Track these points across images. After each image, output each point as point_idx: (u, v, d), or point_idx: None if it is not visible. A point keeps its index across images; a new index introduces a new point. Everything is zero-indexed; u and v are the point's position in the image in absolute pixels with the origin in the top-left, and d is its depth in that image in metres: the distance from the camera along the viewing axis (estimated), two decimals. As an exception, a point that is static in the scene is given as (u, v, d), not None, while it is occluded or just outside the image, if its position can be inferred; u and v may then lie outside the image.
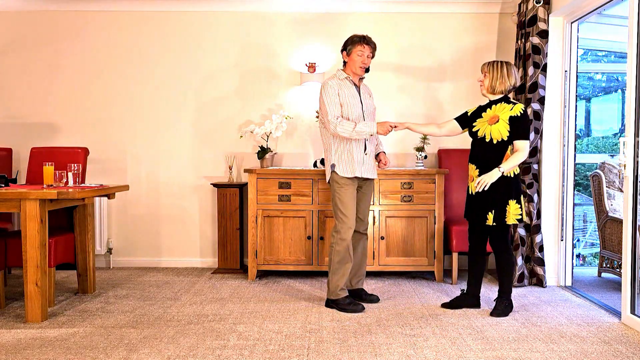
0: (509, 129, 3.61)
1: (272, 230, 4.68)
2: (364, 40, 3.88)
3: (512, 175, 3.65)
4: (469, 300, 3.89)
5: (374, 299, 4.04)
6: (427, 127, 3.99)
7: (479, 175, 3.67)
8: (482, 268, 3.88)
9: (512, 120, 3.61)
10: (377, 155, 4.08)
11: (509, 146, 3.63)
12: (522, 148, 3.61)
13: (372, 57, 3.95)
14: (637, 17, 3.44)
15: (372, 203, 4.58)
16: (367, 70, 3.93)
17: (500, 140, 3.62)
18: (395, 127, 3.84)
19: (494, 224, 3.64)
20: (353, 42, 3.89)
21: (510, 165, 3.59)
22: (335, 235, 3.86)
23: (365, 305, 3.91)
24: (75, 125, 5.25)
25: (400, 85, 5.19)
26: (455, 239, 4.56)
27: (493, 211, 3.63)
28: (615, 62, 6.27)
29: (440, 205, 4.63)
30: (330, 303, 3.89)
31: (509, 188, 3.63)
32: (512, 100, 3.73)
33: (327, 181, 3.96)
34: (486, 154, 3.66)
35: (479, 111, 3.79)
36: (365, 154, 3.91)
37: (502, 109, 3.67)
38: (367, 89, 4.10)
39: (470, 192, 3.75)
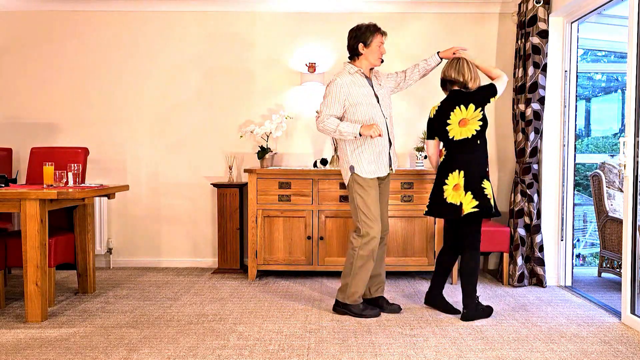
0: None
1: (272, 230, 4.68)
2: (380, 29, 3.62)
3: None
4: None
5: (395, 309, 3.76)
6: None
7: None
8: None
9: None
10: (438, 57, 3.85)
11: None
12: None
13: None
14: (637, 17, 3.44)
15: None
16: (382, 60, 3.71)
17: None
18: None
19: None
20: (372, 32, 3.59)
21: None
22: (358, 240, 3.59)
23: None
24: (75, 125, 5.25)
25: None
26: (455, 239, 4.55)
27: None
28: (615, 62, 6.26)
29: (440, 205, 4.63)
30: (342, 308, 3.69)
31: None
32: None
33: (345, 184, 3.69)
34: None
35: None
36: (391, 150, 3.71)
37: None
38: (378, 75, 3.79)
39: None
